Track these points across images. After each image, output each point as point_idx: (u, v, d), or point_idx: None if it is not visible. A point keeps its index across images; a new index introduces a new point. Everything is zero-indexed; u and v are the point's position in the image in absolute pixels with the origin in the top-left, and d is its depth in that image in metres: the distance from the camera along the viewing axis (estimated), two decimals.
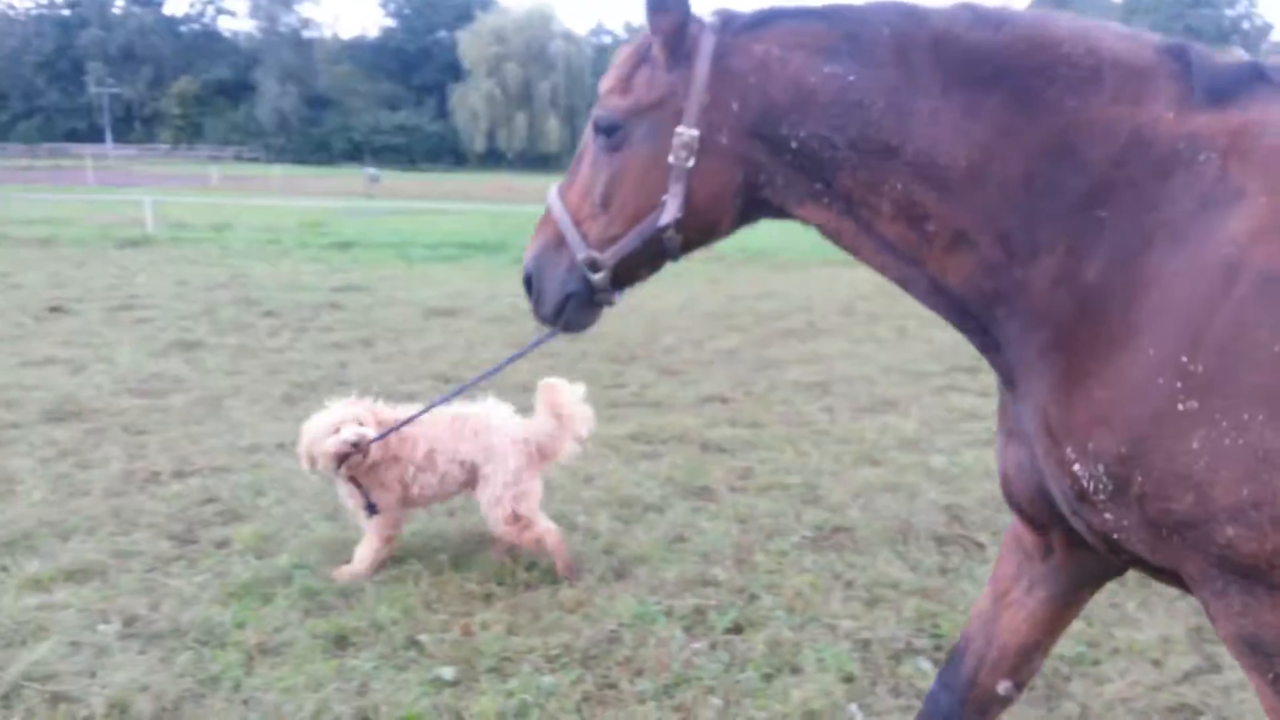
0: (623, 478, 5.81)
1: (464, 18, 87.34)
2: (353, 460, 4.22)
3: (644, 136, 2.22)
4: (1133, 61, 1.95)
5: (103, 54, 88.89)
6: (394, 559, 4.53)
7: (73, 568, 4.32)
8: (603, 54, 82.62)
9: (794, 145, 2.13)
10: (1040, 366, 2.00)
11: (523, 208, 25.54)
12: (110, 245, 18.16)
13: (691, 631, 3.96)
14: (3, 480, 5.45)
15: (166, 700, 3.35)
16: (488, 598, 4.21)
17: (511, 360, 3.41)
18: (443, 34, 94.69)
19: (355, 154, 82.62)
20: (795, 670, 3.68)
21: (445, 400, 4.37)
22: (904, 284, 2.21)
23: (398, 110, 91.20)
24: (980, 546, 4.92)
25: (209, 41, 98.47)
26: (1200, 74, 1.92)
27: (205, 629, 3.84)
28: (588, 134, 2.34)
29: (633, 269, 2.36)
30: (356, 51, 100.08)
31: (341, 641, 3.81)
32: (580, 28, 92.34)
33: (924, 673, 3.74)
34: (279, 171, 56.34)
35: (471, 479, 4.50)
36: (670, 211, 2.21)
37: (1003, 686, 2.43)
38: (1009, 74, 1.99)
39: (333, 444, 4.19)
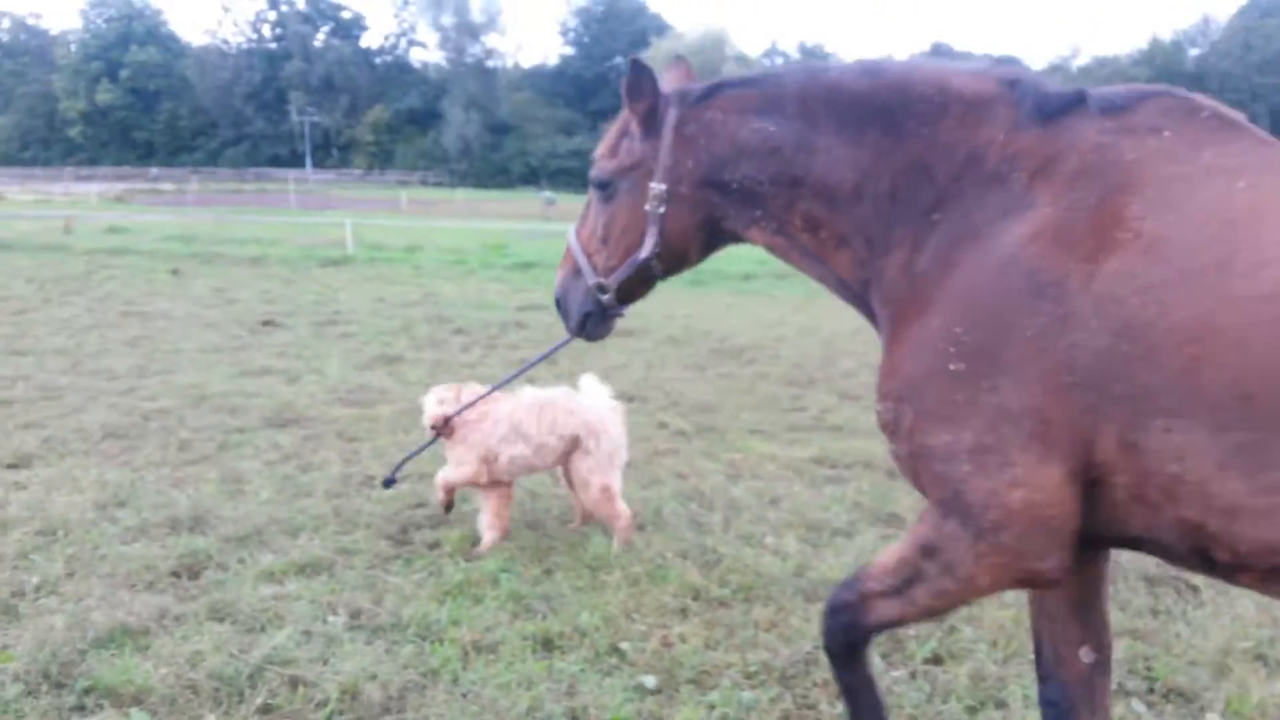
0: (808, 501, 5.81)
1: (639, 44, 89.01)
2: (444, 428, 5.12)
3: (627, 190, 2.85)
4: (975, 94, 2.44)
5: (304, 84, 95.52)
6: (591, 569, 4.70)
7: (302, 562, 4.68)
8: None
9: (735, 186, 2.73)
10: (885, 334, 2.54)
11: None
12: (314, 264, 19.50)
13: (889, 659, 3.92)
14: (233, 480, 5.96)
15: (392, 689, 3.60)
16: (683, 611, 4.30)
17: (537, 361, 4.06)
18: (619, 60, 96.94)
19: (532, 178, 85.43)
20: (1000, 705, 3.59)
21: (502, 383, 4.95)
22: (822, 282, 2.80)
23: (573, 135, 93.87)
24: (1194, 590, 4.66)
25: (400, 72, 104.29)
26: (1028, 101, 2.38)
27: (424, 624, 4.08)
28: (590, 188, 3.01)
29: (631, 290, 2.99)
30: (536, 79, 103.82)
31: (548, 644, 3.99)
32: (754, 49, 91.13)
33: (1137, 715, 3.59)
34: (462, 195, 59.04)
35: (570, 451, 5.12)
36: (649, 247, 2.84)
37: (1085, 655, 2.61)
38: (882, 111, 2.54)
39: (426, 419, 5.16)
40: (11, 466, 6.12)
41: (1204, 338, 1.94)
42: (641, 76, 2.75)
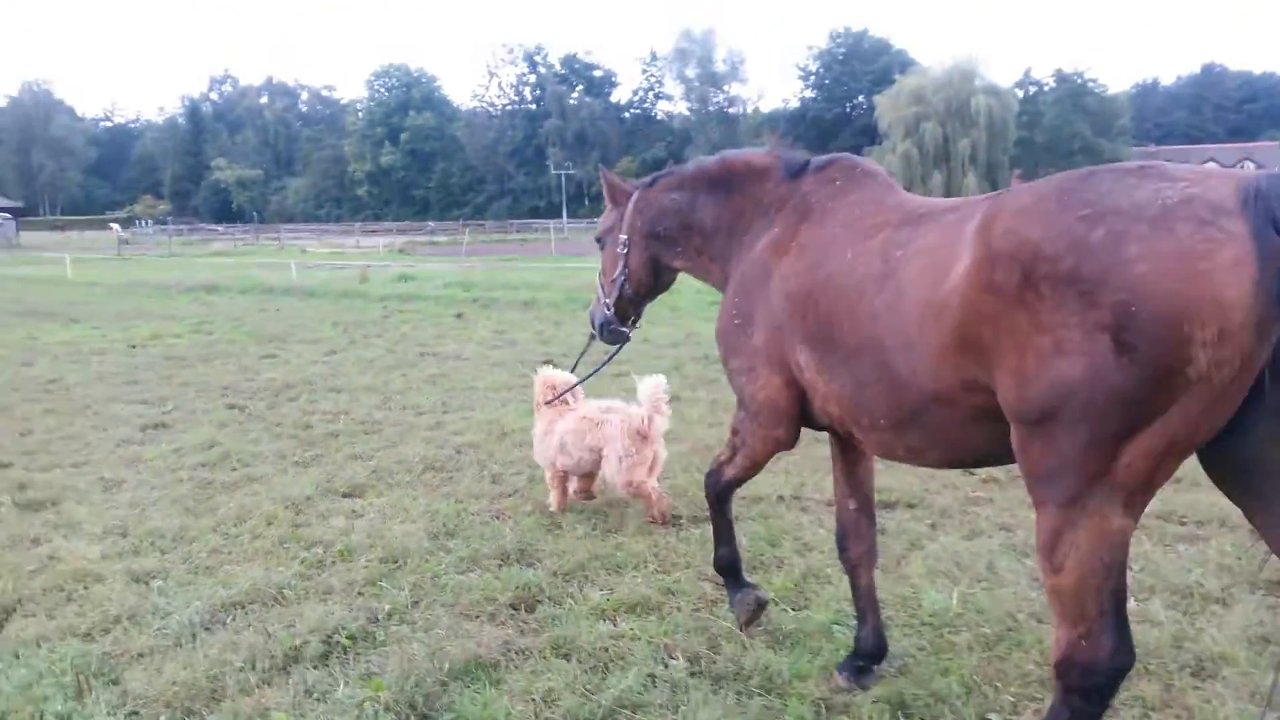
0: (1164, 561, 5.15)
1: (883, 82, 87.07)
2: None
3: (610, 242, 4.58)
4: (763, 165, 4.01)
5: (561, 140, 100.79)
6: (932, 626, 4.35)
7: (631, 600, 4.62)
8: (1028, 104, 77.86)
9: (662, 233, 4.38)
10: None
11: None
12: (578, 307, 20.13)
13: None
14: (548, 514, 6.06)
15: None
16: (1050, 681, 3.84)
17: (598, 370, 5.42)
18: (860, 99, 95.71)
19: None
20: None
21: (578, 384, 6.41)
22: (715, 287, 4.29)
23: None
24: None
25: (647, 124, 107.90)
26: (784, 168, 3.90)
27: (765, 676, 3.89)
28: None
29: (623, 308, 4.64)
30: (776, 123, 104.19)
31: (904, 709, 3.66)
32: (1006, 79, 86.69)
33: None
34: None
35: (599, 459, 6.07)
36: (619, 272, 4.52)
37: (851, 504, 3.98)
38: (724, 180, 4.14)
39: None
40: (347, 495, 6.54)
41: (807, 299, 3.36)
42: (607, 181, 4.61)
